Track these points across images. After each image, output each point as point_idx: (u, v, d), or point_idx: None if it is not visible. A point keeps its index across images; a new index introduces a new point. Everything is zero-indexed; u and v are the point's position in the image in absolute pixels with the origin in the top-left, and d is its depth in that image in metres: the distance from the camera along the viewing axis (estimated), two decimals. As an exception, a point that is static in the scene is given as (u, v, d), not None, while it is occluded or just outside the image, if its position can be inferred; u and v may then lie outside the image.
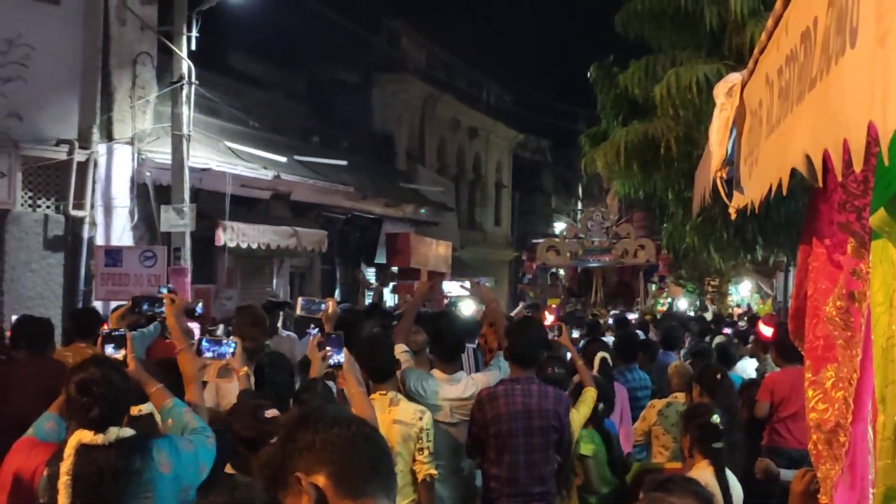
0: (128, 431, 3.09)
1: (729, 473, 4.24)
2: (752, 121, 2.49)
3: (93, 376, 3.09)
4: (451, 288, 17.92)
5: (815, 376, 2.60)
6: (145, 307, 5.42)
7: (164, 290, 11.34)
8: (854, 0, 1.33)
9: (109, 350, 3.88)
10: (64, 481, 2.89)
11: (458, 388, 5.06)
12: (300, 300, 5.52)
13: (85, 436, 2.93)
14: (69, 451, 2.94)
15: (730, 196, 2.79)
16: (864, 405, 2.18)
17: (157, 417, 3.61)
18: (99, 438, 2.93)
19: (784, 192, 1.95)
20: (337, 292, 21.20)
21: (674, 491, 2.18)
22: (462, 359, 5.70)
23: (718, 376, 5.91)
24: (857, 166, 1.43)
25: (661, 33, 12.24)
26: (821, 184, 2.04)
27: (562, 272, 22.05)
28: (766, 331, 9.42)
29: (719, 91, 2.94)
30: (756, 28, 10.47)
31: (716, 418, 4.37)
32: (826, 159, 1.48)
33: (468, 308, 11.34)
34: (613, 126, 12.92)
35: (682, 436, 4.54)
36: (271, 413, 3.63)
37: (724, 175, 2.79)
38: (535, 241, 23.88)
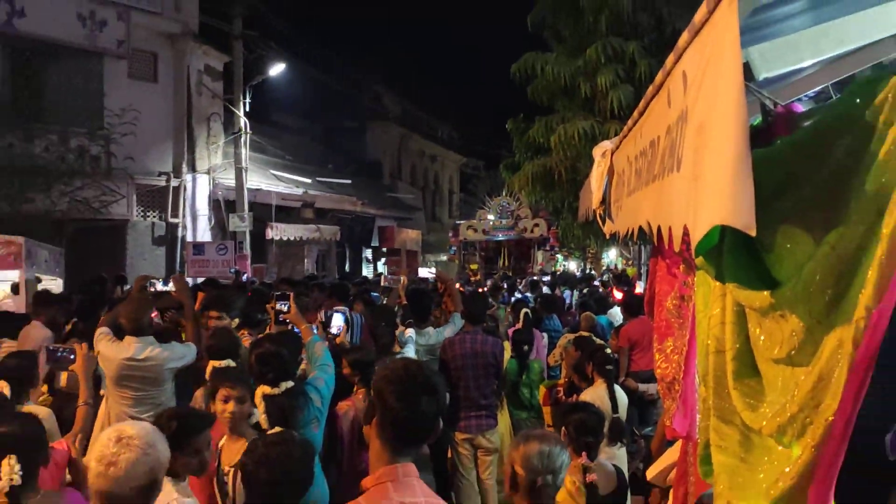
0: (290, 383, 3.28)
1: (617, 388, 4.67)
2: (618, 180, 2.90)
3: (267, 350, 3.36)
4: (424, 273, 19.35)
5: (659, 345, 2.96)
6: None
7: (233, 272, 12.39)
8: (680, 137, 1.52)
9: (279, 305, 4.53)
10: (262, 417, 3.19)
11: (425, 338, 5.55)
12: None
13: (265, 388, 3.21)
14: (257, 399, 3.21)
15: (604, 221, 3.29)
16: (692, 366, 2.43)
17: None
18: (275, 390, 3.21)
19: (635, 238, 2.40)
20: (347, 266, 23.36)
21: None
22: (430, 320, 5.89)
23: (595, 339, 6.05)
24: (676, 247, 1.79)
25: (556, 99, 13.32)
26: (656, 243, 2.52)
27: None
28: (618, 295, 10.37)
29: (596, 152, 3.35)
30: (614, 94, 11.54)
31: (609, 351, 4.94)
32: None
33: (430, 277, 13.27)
34: (524, 160, 14.30)
35: (585, 364, 4.84)
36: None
37: (601, 211, 3.30)
38: (457, 222, 24.08)
